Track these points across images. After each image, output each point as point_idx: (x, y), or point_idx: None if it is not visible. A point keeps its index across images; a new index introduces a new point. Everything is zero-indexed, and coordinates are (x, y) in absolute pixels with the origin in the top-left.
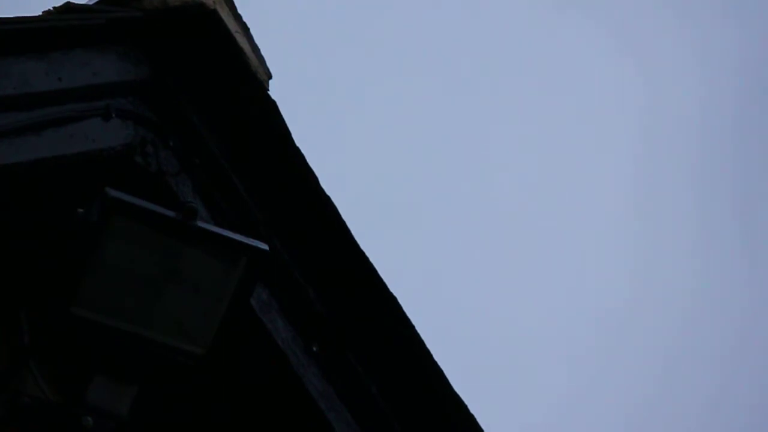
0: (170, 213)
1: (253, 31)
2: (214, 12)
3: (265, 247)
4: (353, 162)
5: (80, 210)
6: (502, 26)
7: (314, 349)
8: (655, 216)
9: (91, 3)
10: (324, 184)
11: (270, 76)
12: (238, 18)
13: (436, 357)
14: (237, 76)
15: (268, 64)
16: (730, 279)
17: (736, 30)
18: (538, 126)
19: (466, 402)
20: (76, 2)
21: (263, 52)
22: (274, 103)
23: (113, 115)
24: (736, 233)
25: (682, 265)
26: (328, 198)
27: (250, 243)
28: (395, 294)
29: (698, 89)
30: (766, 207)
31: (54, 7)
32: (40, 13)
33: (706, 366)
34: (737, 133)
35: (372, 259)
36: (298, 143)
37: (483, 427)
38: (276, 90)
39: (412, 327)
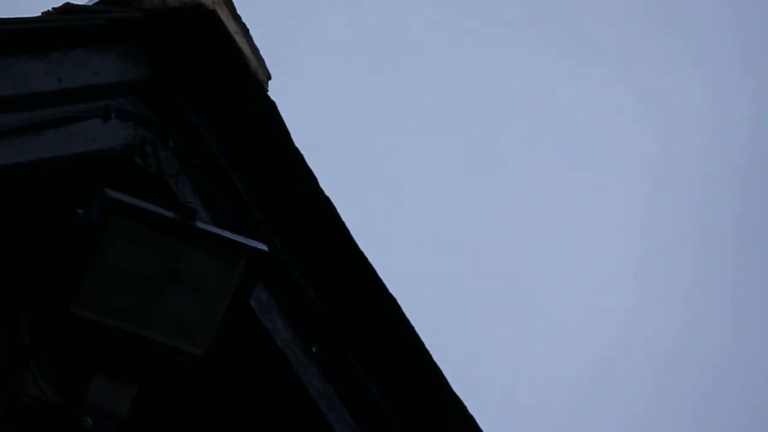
0: (170, 214)
1: (252, 32)
2: (213, 12)
3: (265, 247)
4: (353, 164)
5: (80, 210)
6: (514, 72)
7: (314, 349)
8: (660, 259)
9: (90, 3)
10: (323, 185)
11: (269, 77)
12: (237, 19)
13: (435, 358)
14: (236, 76)
15: (267, 65)
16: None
17: (749, 76)
18: (548, 162)
19: (465, 403)
20: (75, 3)
21: (262, 53)
22: (273, 103)
23: (112, 116)
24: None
25: (681, 286)
26: (327, 198)
27: (249, 244)
28: (394, 295)
29: (709, 135)
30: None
31: (53, 8)
32: (40, 14)
33: (700, 382)
34: (745, 178)
35: (371, 260)
36: (297, 144)
37: (482, 428)
38: (275, 91)
39: (412, 327)
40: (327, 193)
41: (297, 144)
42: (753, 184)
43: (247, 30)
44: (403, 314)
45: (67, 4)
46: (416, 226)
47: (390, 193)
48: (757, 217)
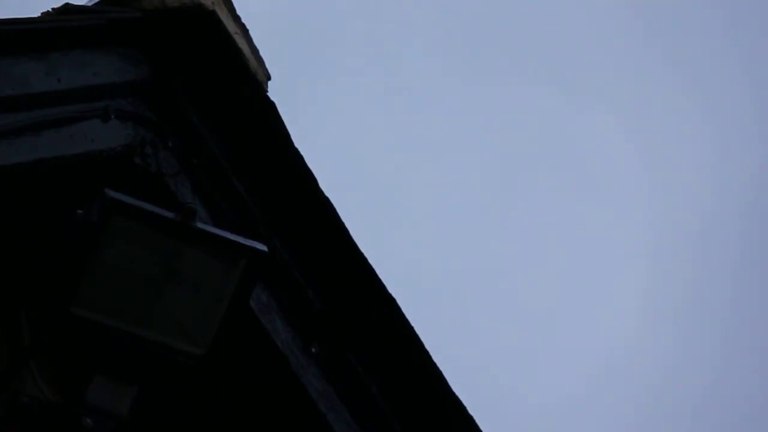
0: (169, 214)
1: (252, 33)
2: (213, 13)
3: (265, 248)
4: (355, 167)
5: (80, 210)
6: (519, 114)
7: (313, 349)
8: (665, 272)
9: (90, 3)
10: (323, 185)
11: (269, 77)
12: (237, 19)
13: (435, 358)
14: (236, 76)
15: (267, 65)
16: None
17: (753, 109)
18: (555, 188)
19: (465, 403)
20: (74, 3)
21: (262, 53)
22: (273, 104)
23: (112, 116)
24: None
25: (685, 299)
26: (326, 199)
27: (249, 244)
28: (394, 295)
29: (714, 178)
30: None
31: (53, 8)
32: (39, 14)
33: (702, 388)
34: (750, 200)
35: (371, 260)
36: (297, 144)
37: (482, 428)
38: (275, 91)
39: (411, 328)
40: (327, 194)
41: (297, 145)
42: (759, 199)
43: (247, 30)
44: (402, 314)
45: (67, 4)
46: (418, 228)
47: (393, 195)
48: (760, 233)
